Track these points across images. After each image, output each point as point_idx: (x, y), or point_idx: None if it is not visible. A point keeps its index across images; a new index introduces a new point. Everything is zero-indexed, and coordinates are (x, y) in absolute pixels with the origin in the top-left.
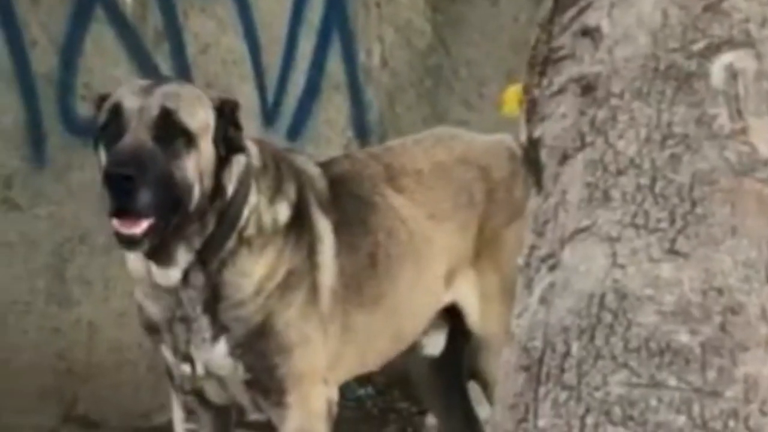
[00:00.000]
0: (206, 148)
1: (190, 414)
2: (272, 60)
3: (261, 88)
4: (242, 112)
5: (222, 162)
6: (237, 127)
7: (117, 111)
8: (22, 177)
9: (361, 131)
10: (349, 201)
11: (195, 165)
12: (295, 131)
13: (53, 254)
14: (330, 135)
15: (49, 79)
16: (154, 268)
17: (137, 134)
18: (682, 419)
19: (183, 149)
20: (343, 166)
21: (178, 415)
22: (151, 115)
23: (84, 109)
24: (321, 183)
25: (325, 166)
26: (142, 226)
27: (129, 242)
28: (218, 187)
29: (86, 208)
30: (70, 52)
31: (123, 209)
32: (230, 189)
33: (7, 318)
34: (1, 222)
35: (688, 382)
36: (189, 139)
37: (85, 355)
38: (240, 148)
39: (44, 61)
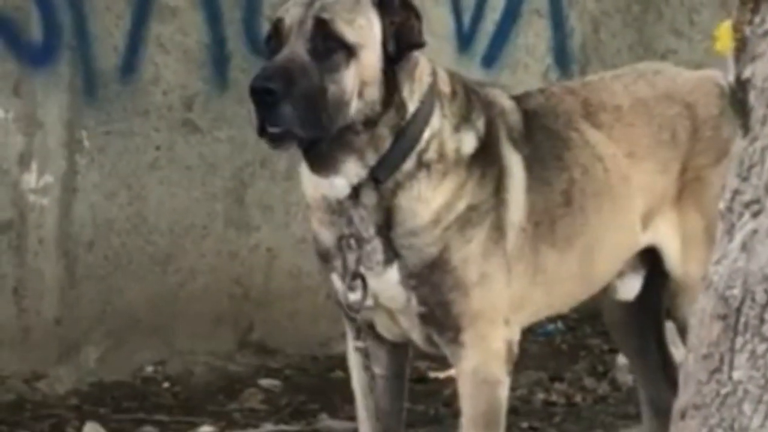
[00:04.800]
0: (369, 57)
1: (360, 334)
2: None
3: (457, 11)
4: (436, 37)
5: (393, 64)
6: (411, 12)
7: (278, 25)
8: (203, 99)
9: (562, 58)
10: (542, 136)
11: (354, 77)
12: (491, 57)
13: (233, 178)
14: (528, 61)
15: None
16: (317, 179)
17: (293, 48)
18: None
19: (341, 62)
20: (538, 100)
21: (350, 339)
22: (307, 28)
23: None
24: (514, 116)
25: (518, 99)
26: (286, 127)
27: (276, 139)
28: (391, 98)
29: None
30: None
31: (265, 121)
32: (411, 107)
33: (185, 241)
34: (180, 144)
35: None
36: (348, 50)
37: (262, 281)
38: (415, 44)
39: None
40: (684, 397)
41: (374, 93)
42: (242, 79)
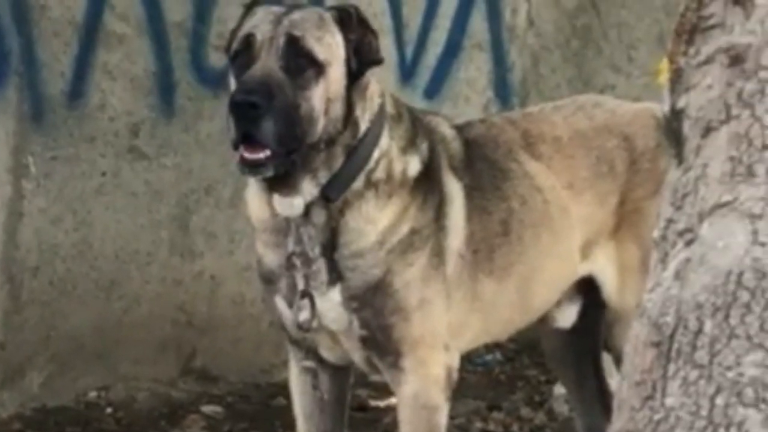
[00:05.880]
0: (335, 74)
1: (308, 354)
2: (413, 15)
3: (400, 43)
4: (379, 68)
5: (354, 82)
6: (367, 30)
7: (249, 41)
8: (149, 126)
9: (502, 92)
10: (483, 165)
11: (323, 94)
12: (433, 89)
13: (178, 205)
14: (469, 95)
15: (182, 28)
16: (277, 198)
17: (266, 63)
18: None
19: (311, 79)
20: (479, 129)
21: (294, 362)
22: (279, 45)
23: (216, 59)
24: (455, 144)
25: (459, 128)
26: (265, 153)
27: (253, 166)
28: (349, 117)
29: (214, 159)
30: (203, 1)
31: (246, 137)
32: (363, 126)
33: (129, 268)
34: (126, 171)
35: None
36: (318, 68)
37: (206, 308)
38: (374, 61)
39: (177, 9)
40: (617, 423)
41: (338, 110)
42: (188, 106)
